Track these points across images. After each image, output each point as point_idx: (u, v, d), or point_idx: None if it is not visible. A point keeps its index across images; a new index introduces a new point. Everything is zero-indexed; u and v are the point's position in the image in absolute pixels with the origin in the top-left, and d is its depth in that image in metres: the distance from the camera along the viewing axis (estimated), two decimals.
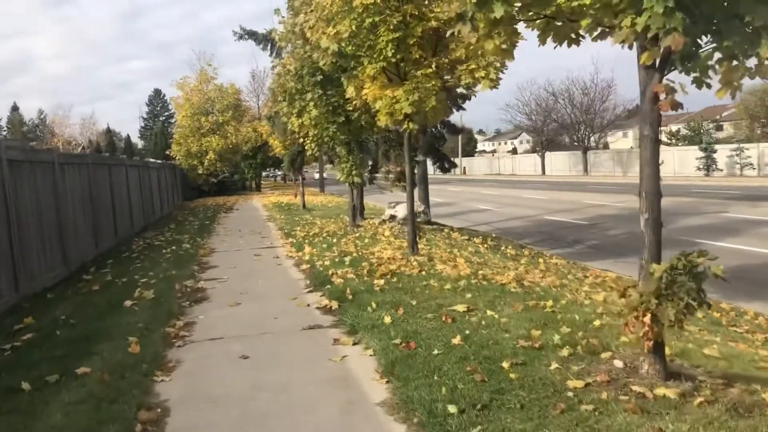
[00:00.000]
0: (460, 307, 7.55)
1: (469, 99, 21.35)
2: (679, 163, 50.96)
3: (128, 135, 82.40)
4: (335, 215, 23.95)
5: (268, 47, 22.56)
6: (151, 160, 34.23)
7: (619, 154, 59.67)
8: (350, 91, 12.21)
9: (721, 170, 46.04)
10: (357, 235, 15.66)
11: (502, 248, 16.43)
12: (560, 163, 66.22)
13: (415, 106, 10.02)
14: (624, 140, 79.72)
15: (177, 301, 9.08)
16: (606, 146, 67.75)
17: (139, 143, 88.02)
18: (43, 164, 12.11)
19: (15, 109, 66.61)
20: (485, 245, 16.25)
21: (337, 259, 11.62)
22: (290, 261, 12.48)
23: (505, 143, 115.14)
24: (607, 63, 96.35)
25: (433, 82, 10.08)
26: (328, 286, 9.29)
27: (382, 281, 9.22)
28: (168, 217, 26.68)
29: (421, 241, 14.95)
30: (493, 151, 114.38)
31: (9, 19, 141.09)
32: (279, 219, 22.26)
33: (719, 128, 65.11)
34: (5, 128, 67.52)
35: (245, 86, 49.80)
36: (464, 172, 62.90)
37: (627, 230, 22.46)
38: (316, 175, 69.89)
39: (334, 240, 14.84)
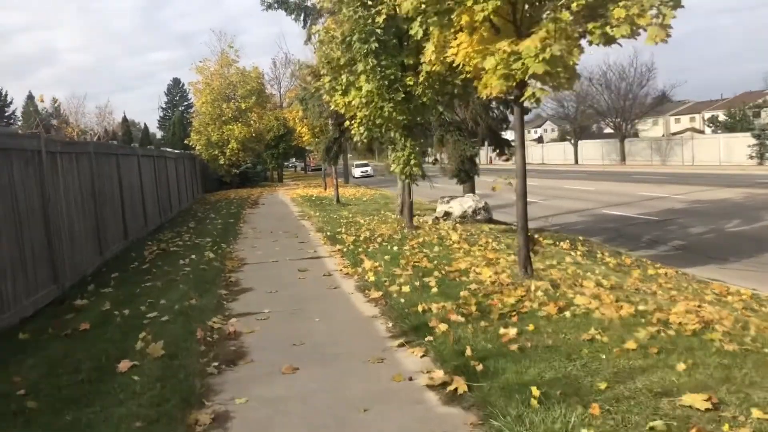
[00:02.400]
0: (693, 399, 4.18)
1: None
2: (725, 151, 47.06)
3: (145, 124, 79.30)
4: (376, 211, 20.61)
5: (301, 17, 19.31)
6: (168, 149, 31.03)
7: (657, 143, 55.70)
8: (429, 53, 8.82)
9: None
10: (420, 240, 12.30)
11: (598, 255, 13.03)
12: (593, 152, 62.37)
13: (549, 64, 6.61)
14: (655, 128, 75.70)
15: (199, 362, 5.78)
16: (636, 134, 63.75)
17: (158, 134, 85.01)
18: (24, 153, 8.88)
19: (30, 98, 63.63)
20: (578, 251, 12.84)
21: (416, 282, 8.27)
22: (349, 281, 9.12)
23: (528, 132, 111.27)
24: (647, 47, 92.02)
25: (575, 29, 6.66)
26: (429, 337, 5.93)
27: (509, 329, 5.86)
28: (187, 213, 23.45)
29: (501, 248, 11.61)
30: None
31: (31, 11, 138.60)
32: (314, 217, 18.92)
33: (757, 114, 60.91)
34: (20, 118, 64.64)
35: (267, 73, 46.23)
36: (490, 162, 59.40)
37: (709, 227, 19.14)
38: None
39: (394, 248, 11.49)
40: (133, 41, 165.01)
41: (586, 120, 59.14)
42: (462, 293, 7.40)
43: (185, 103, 79.32)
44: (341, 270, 9.93)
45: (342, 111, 13.64)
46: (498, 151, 19.14)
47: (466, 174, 18.26)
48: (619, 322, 6.10)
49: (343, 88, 13.17)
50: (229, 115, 36.77)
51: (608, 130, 67.62)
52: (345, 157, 48.07)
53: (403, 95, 12.55)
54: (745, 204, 23.78)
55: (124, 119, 70.82)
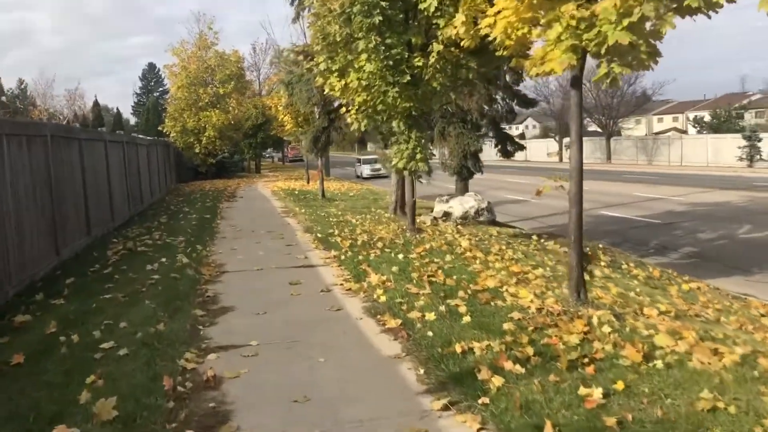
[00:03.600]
0: None
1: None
2: (713, 151, 46.16)
3: (118, 109, 76.06)
4: (366, 209, 18.93)
5: None
6: (140, 136, 28.96)
7: (643, 142, 54.67)
8: (458, 23, 7.19)
9: (766, 160, 41.22)
10: (426, 246, 10.67)
11: (623, 266, 11.53)
12: None
13: (635, 32, 5.00)
14: (638, 127, 74.85)
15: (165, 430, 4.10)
16: (619, 133, 62.68)
17: (132, 120, 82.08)
18: None
19: None
20: (601, 262, 11.33)
21: (440, 306, 6.64)
22: (353, 301, 7.42)
23: (509, 128, 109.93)
24: None
25: None
26: (483, 398, 4.30)
27: (592, 388, 4.27)
28: (159, 205, 21.54)
29: (520, 258, 10.07)
30: None
31: None
32: (299, 213, 17.15)
33: (739, 116, 60.27)
34: None
35: (246, 60, 44.01)
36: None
37: (718, 233, 17.89)
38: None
39: (400, 256, 9.84)
40: (109, 24, 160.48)
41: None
42: (506, 326, 5.78)
43: (160, 89, 76.44)
44: (342, 284, 8.23)
45: (338, 95, 11.95)
46: (500, 146, 17.55)
47: (468, 170, 16.70)
48: (731, 376, 4.54)
49: (341, 68, 11.48)
50: (206, 101, 34.64)
51: (591, 128, 66.59)
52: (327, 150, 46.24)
53: (410, 78, 10.90)
54: (749, 208, 22.61)
55: (95, 103, 67.86)
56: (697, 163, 46.32)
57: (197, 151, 35.10)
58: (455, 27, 7.33)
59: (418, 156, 11.57)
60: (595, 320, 5.81)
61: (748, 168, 41.38)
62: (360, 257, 9.82)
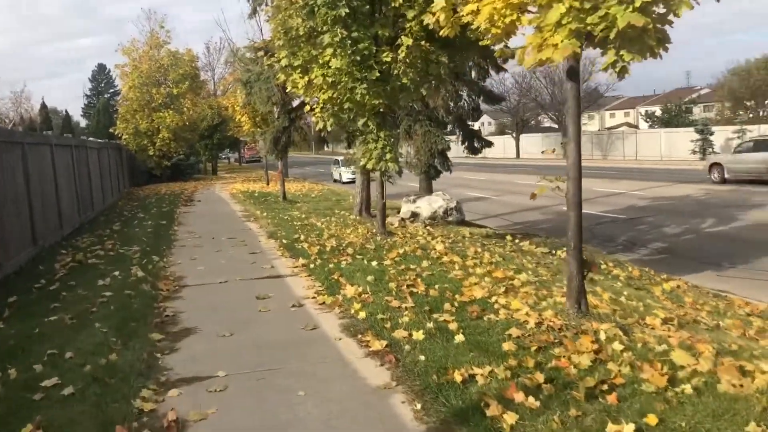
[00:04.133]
0: None
1: (513, 57, 15.81)
2: (666, 145, 46.73)
3: (66, 111, 73.11)
4: (330, 210, 18.17)
5: None
6: (91, 138, 27.56)
7: (598, 137, 55.11)
8: (438, 8, 6.53)
9: (718, 153, 41.79)
10: (400, 251, 9.98)
11: (601, 265, 11.03)
12: (533, 146, 61.41)
13: (646, 13, 4.41)
14: (591, 123, 75.62)
15: None
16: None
17: (83, 122, 79.31)
18: None
19: None
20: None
21: (427, 322, 5.96)
22: (329, 318, 6.67)
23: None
24: None
25: None
26: None
27: (622, 425, 3.65)
28: (112, 212, 20.37)
29: (499, 261, 9.49)
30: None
31: None
32: (261, 218, 16.28)
33: (687, 111, 61.35)
34: None
35: (200, 59, 42.46)
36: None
37: (684, 227, 17.72)
38: (261, 155, 62.69)
39: (373, 263, 9.13)
40: (57, 25, 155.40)
41: (527, 113, 58.00)
42: (505, 345, 5.12)
43: (111, 90, 74.02)
44: (314, 297, 7.48)
45: (301, 93, 11.18)
46: (467, 143, 16.98)
47: (435, 170, 16.09)
48: None
49: (304, 64, 10.72)
50: (160, 102, 33.25)
51: (546, 124, 67.00)
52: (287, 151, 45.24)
53: (379, 74, 10.20)
54: (708, 201, 22.59)
55: (43, 106, 65.20)
56: (652, 157, 46.80)
57: (151, 153, 33.71)
58: (434, 14, 6.65)
59: (388, 155, 10.89)
60: (602, 336, 5.21)
61: (701, 161, 41.89)
62: (331, 265, 9.08)
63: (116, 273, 9.47)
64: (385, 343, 5.46)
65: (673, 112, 56.26)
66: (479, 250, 10.62)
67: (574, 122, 5.66)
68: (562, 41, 4.80)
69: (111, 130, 34.73)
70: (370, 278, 8.02)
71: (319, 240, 11.56)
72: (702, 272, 12.75)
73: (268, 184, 29.39)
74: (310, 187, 28.55)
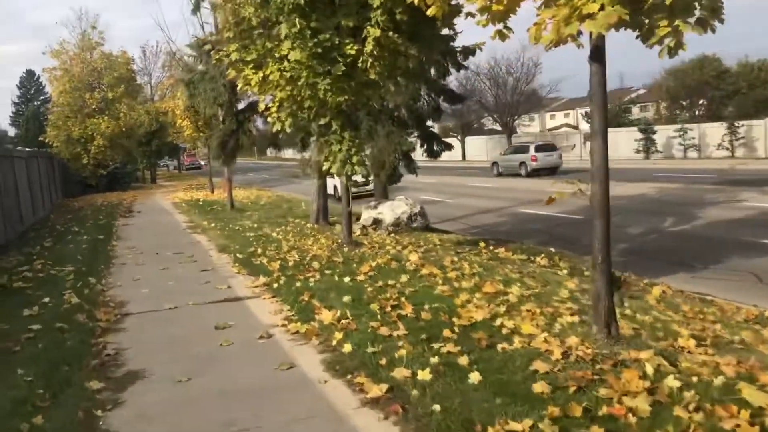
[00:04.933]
0: None
1: (473, 54, 15.01)
2: (611, 145, 46.59)
3: None
4: (282, 218, 16.99)
5: None
6: (19, 148, 25.49)
7: (542, 138, 55.31)
8: None
9: (660, 152, 42.30)
10: (372, 264, 8.93)
11: (585, 272, 10.24)
12: (477, 148, 61.23)
13: None
14: (532, 124, 76.14)
15: None
16: (515, 130, 63.35)
17: (11, 131, 75.11)
18: None
19: None
20: (563, 270, 9.98)
21: (430, 355, 4.93)
22: (307, 352, 5.53)
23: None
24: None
25: None
26: None
27: None
28: (43, 226, 18.61)
29: (479, 272, 8.57)
30: None
31: None
32: (209, 229, 14.94)
33: (626, 111, 62.38)
34: None
35: (135, 64, 40.05)
36: None
37: (646, 227, 17.28)
38: (201, 162, 60.48)
39: (346, 279, 8.06)
40: None
41: (473, 116, 57.74)
42: (536, 387, 4.14)
43: (42, 98, 70.14)
44: (285, 325, 6.33)
45: (254, 90, 10.01)
46: (426, 145, 16.06)
47: (398, 173, 15.13)
48: None
49: (258, 59, 9.57)
50: (94, 107, 31.18)
51: (489, 126, 66.98)
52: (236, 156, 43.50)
53: (344, 68, 9.14)
54: (663, 199, 22.32)
55: None
56: None
57: (85, 162, 31.56)
58: None
59: (355, 158, 9.83)
60: (648, 368, 4.28)
61: (645, 160, 42.32)
62: (298, 284, 7.95)
63: (46, 300, 8.11)
64: (385, 387, 4.39)
65: (615, 113, 56.93)
66: (455, 259, 9.66)
67: (600, 113, 4.75)
68: (603, 9, 3.84)
69: (41, 139, 32.40)
70: (346, 298, 6.93)
71: (278, 253, 10.39)
72: (675, 273, 12.12)
73: (213, 191, 27.85)
74: (258, 194, 27.14)
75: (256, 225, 15.14)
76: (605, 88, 4.82)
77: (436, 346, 5.17)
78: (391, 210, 14.21)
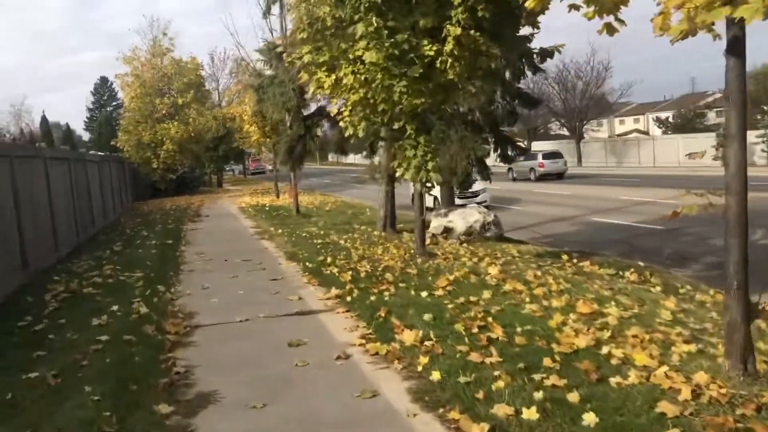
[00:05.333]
0: None
1: (551, 56, 14.31)
2: (684, 151, 45.22)
3: (68, 124, 71.27)
4: (348, 225, 16.61)
5: None
6: (92, 152, 26.03)
7: (612, 144, 53.54)
8: None
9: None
10: (450, 277, 8.38)
11: (679, 289, 9.40)
12: None
13: None
14: (600, 130, 74.01)
15: None
16: (582, 136, 61.57)
17: (86, 136, 77.85)
18: None
19: None
20: (655, 287, 9.17)
21: (533, 390, 4.35)
22: (390, 378, 5.00)
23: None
24: (604, 44, 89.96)
25: None
26: None
27: None
28: (113, 230, 18.81)
29: (569, 289, 7.90)
30: None
31: None
32: (276, 235, 14.69)
33: (701, 116, 59.80)
34: None
35: (204, 70, 40.49)
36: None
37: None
38: (267, 167, 60.92)
39: (422, 293, 7.55)
40: (60, 41, 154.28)
41: (540, 120, 56.43)
42: None
43: (114, 103, 72.44)
44: (363, 345, 5.86)
45: (327, 93, 9.63)
46: (500, 150, 15.41)
47: (471, 180, 14.55)
48: None
49: (330, 61, 9.18)
50: (164, 112, 31.70)
51: (555, 131, 65.36)
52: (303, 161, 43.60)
53: (421, 70, 8.64)
54: (753, 210, 20.93)
55: (44, 119, 63.68)
56: (669, 164, 45.20)
57: (155, 166, 32.08)
58: None
59: (430, 164, 9.32)
60: None
61: (724, 167, 40.27)
62: (372, 298, 7.47)
63: (115, 308, 7.89)
64: (486, 426, 3.83)
65: (689, 117, 54.70)
66: (539, 273, 9.01)
67: (739, 114, 4.08)
68: None
69: (113, 143, 33.13)
70: (427, 317, 6.41)
71: (349, 263, 9.96)
72: None
73: (278, 197, 27.81)
74: (323, 200, 26.94)
75: (322, 232, 14.79)
76: (745, 84, 4.17)
77: (537, 377, 4.59)
78: (462, 218, 13.62)
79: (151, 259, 11.98)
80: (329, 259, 10.36)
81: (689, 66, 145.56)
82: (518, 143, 16.34)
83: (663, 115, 62.64)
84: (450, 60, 8.50)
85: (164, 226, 18.53)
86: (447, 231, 13.65)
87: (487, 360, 5.01)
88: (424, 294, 7.52)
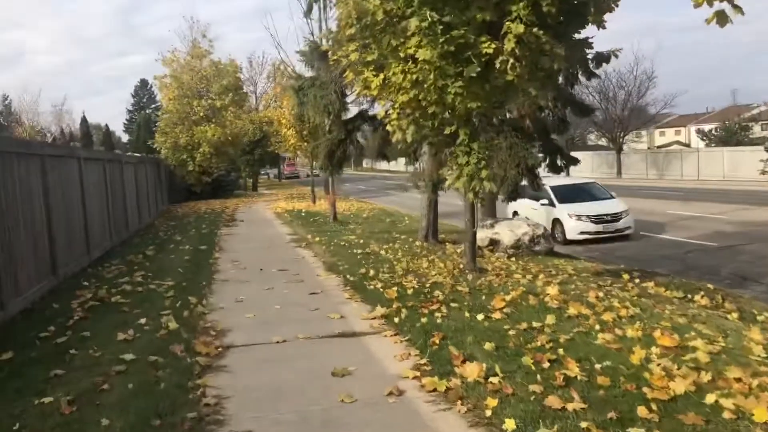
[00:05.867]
0: None
1: (608, 61, 13.37)
2: (729, 165, 43.42)
3: (107, 125, 71.74)
4: (387, 233, 15.91)
5: None
6: (129, 153, 25.74)
7: (653, 155, 51.87)
8: None
9: None
10: (506, 298, 7.57)
11: (758, 316, 8.44)
12: (583, 164, 58.32)
13: None
14: (641, 141, 72.18)
15: None
16: (621, 147, 59.95)
17: (125, 138, 78.57)
18: None
19: None
20: (732, 313, 8.24)
21: None
22: (455, 423, 4.27)
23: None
24: (648, 53, 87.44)
25: None
26: None
27: None
28: (147, 233, 18.37)
29: (642, 315, 7.05)
30: None
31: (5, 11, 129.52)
32: (314, 243, 14.01)
33: (745, 129, 57.72)
34: None
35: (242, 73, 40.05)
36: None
37: None
38: (307, 171, 60.50)
39: (478, 315, 6.76)
40: (104, 45, 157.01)
41: (576, 129, 55.00)
42: None
43: (153, 105, 73.04)
44: (416, 377, 5.09)
45: (374, 94, 8.89)
46: (549, 160, 14.50)
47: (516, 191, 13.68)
48: None
49: (379, 59, 8.46)
50: (201, 115, 31.34)
51: (593, 142, 63.86)
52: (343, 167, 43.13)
53: (478, 69, 7.87)
54: None
55: (83, 120, 64.20)
56: (713, 177, 43.55)
57: (191, 168, 31.73)
58: None
59: (484, 173, 8.54)
60: None
61: None
62: (423, 319, 6.70)
63: (142, 321, 7.27)
64: None
65: (733, 130, 52.82)
66: (600, 295, 8.15)
67: None
68: None
69: (149, 143, 32.90)
70: (488, 346, 5.63)
71: (393, 277, 9.22)
72: None
73: (314, 202, 27.21)
74: (359, 206, 26.25)
75: (362, 241, 14.08)
76: None
77: (631, 431, 3.77)
78: (510, 230, 12.78)
79: (183, 267, 11.39)
80: (372, 272, 9.62)
81: (730, 78, 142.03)
82: (569, 154, 15.38)
83: (706, 127, 60.70)
84: (511, 60, 7.72)
85: (198, 231, 18.01)
86: (493, 243, 12.82)
87: (569, 406, 4.21)
88: (480, 317, 6.74)
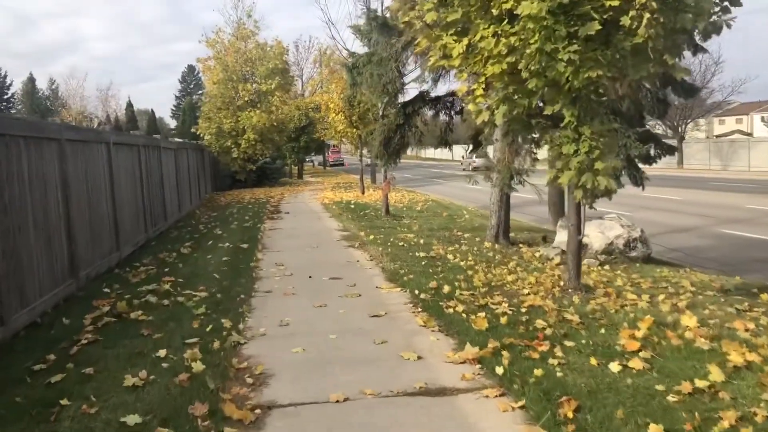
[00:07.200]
0: None
1: (718, 33, 11.13)
2: None
3: (152, 110, 71.11)
4: (446, 230, 14.03)
5: None
6: (174, 139, 24.27)
7: (717, 145, 48.55)
8: None
9: None
10: (636, 334, 5.60)
11: None
12: None
13: None
14: (699, 130, 68.30)
15: None
16: (683, 136, 56.48)
17: (172, 123, 78.09)
18: None
19: (31, 80, 56.82)
20: None
21: None
22: None
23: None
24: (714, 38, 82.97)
25: None
26: None
27: None
28: (186, 224, 16.82)
29: None
30: None
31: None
32: (367, 242, 12.18)
33: None
34: (20, 101, 57.94)
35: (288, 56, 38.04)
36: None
37: None
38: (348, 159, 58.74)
39: (609, 363, 4.82)
40: (156, 31, 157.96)
41: None
42: None
43: (200, 91, 72.27)
44: None
45: (455, 65, 6.94)
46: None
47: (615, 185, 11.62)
48: None
49: (463, 19, 6.52)
50: (246, 99, 29.73)
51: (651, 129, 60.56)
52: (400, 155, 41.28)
53: (600, 27, 5.88)
54: None
55: (129, 104, 63.49)
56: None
57: (235, 155, 30.21)
58: None
59: (598, 165, 6.55)
60: None
61: None
62: (537, 372, 4.76)
63: (162, 353, 5.54)
64: None
65: None
66: (751, 326, 6.09)
67: None
68: None
69: (192, 129, 31.49)
70: (654, 429, 3.69)
71: (474, 295, 7.30)
72: None
73: (363, 192, 25.39)
74: (411, 197, 24.33)
75: (422, 240, 12.19)
76: None
77: None
78: (599, 231, 10.73)
79: (219, 271, 9.68)
80: (446, 287, 7.71)
81: None
82: (666, 141, 13.18)
83: (759, 115, 56.85)
84: (646, 15, 5.70)
85: (240, 224, 16.37)
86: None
87: None
88: (614, 367, 4.78)
